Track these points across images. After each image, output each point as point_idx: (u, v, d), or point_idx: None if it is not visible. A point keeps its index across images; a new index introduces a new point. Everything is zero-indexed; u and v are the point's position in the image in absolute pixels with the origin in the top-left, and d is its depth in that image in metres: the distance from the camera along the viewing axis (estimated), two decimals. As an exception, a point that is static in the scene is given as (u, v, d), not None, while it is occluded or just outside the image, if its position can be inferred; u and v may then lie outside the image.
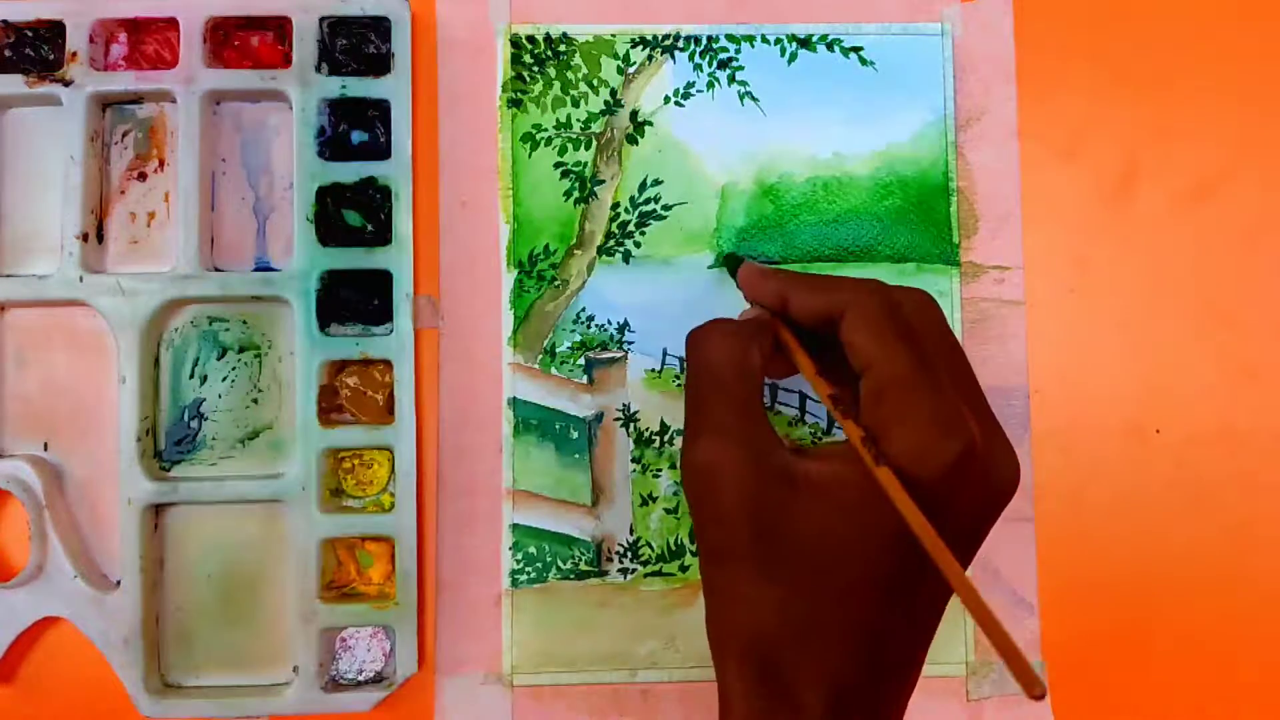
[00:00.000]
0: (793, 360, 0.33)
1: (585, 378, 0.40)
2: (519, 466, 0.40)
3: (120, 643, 0.38)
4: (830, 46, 0.41)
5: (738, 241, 0.41)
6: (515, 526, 0.40)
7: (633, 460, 0.40)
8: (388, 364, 0.39)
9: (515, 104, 0.41)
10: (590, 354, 0.40)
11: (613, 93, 0.41)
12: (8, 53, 0.39)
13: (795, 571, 0.29)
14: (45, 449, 0.39)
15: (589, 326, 0.40)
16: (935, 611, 0.31)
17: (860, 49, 0.41)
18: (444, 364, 0.40)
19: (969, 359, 0.41)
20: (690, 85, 0.41)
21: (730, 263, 0.39)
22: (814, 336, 0.33)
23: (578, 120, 0.41)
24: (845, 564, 0.29)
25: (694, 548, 0.40)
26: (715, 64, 0.41)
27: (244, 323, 0.40)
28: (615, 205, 0.41)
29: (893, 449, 0.28)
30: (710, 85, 0.41)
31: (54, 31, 0.39)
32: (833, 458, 0.29)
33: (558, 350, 0.40)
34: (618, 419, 0.40)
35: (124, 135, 0.40)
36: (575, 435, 0.40)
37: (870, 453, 0.28)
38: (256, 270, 0.40)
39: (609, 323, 0.40)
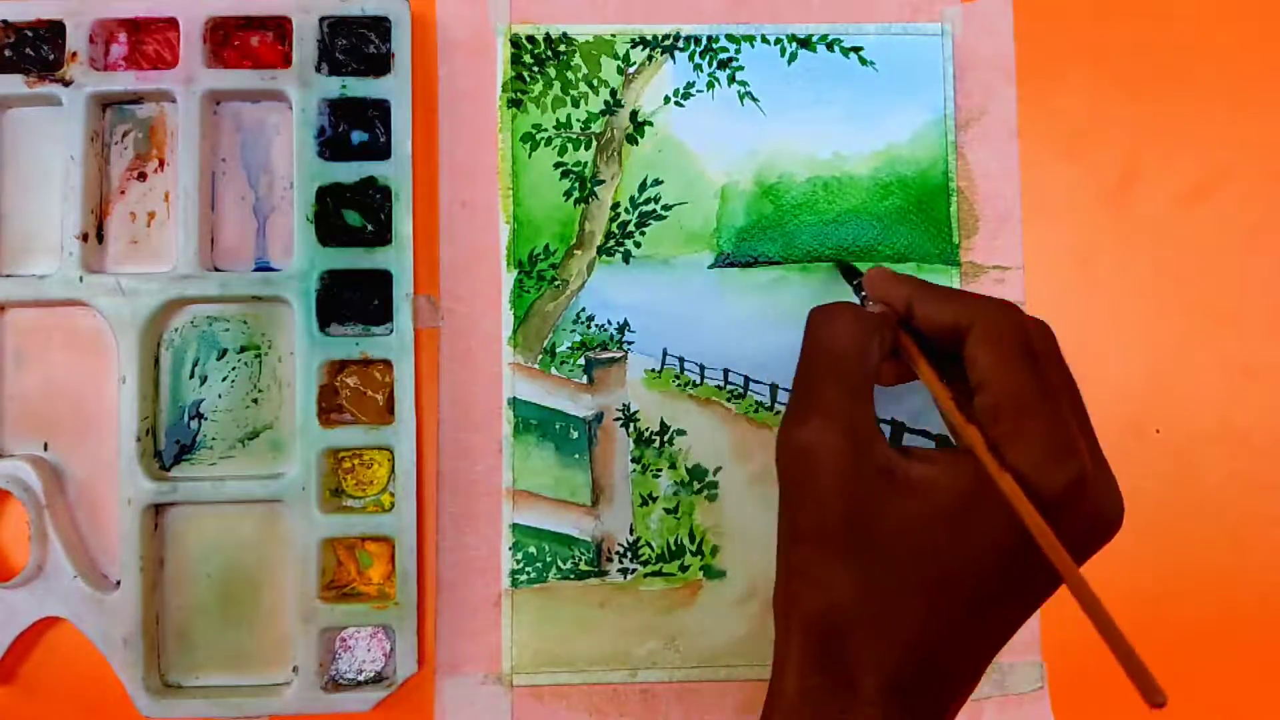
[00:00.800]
0: (911, 364, 0.33)
1: (585, 378, 0.40)
2: (519, 466, 0.40)
3: (120, 643, 0.38)
4: (830, 46, 0.41)
5: (738, 241, 0.41)
6: (515, 526, 0.40)
7: (633, 460, 0.40)
8: (388, 364, 0.39)
9: (515, 104, 0.41)
10: (590, 354, 0.40)
11: (613, 93, 0.41)
12: (8, 53, 0.39)
13: (878, 563, 0.29)
14: (45, 449, 0.39)
15: (589, 326, 0.40)
16: (1007, 631, 0.31)
17: (860, 49, 0.41)
18: (444, 364, 0.40)
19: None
20: (690, 85, 0.41)
21: (845, 271, 0.39)
22: (931, 348, 0.33)
23: (578, 120, 0.41)
24: (930, 565, 0.29)
25: (693, 548, 0.40)
26: (715, 64, 0.41)
27: (244, 323, 0.40)
28: (615, 205, 0.41)
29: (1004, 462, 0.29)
30: (710, 85, 0.41)
31: (54, 31, 0.39)
32: (938, 462, 0.30)
33: (558, 350, 0.40)
34: (618, 419, 0.40)
35: (124, 135, 0.40)
36: (575, 435, 0.40)
37: (994, 459, 0.29)
38: (256, 270, 0.40)
39: (609, 323, 0.40)
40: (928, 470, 0.30)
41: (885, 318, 0.33)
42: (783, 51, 0.41)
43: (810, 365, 0.32)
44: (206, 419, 0.40)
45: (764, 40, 0.41)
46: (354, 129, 0.40)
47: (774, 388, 0.40)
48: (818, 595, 0.30)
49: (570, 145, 0.41)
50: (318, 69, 0.39)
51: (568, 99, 0.41)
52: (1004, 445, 0.29)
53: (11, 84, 0.39)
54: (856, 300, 0.37)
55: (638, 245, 0.41)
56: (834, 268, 0.40)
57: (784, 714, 0.30)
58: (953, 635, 0.30)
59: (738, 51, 0.41)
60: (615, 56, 0.41)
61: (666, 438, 0.40)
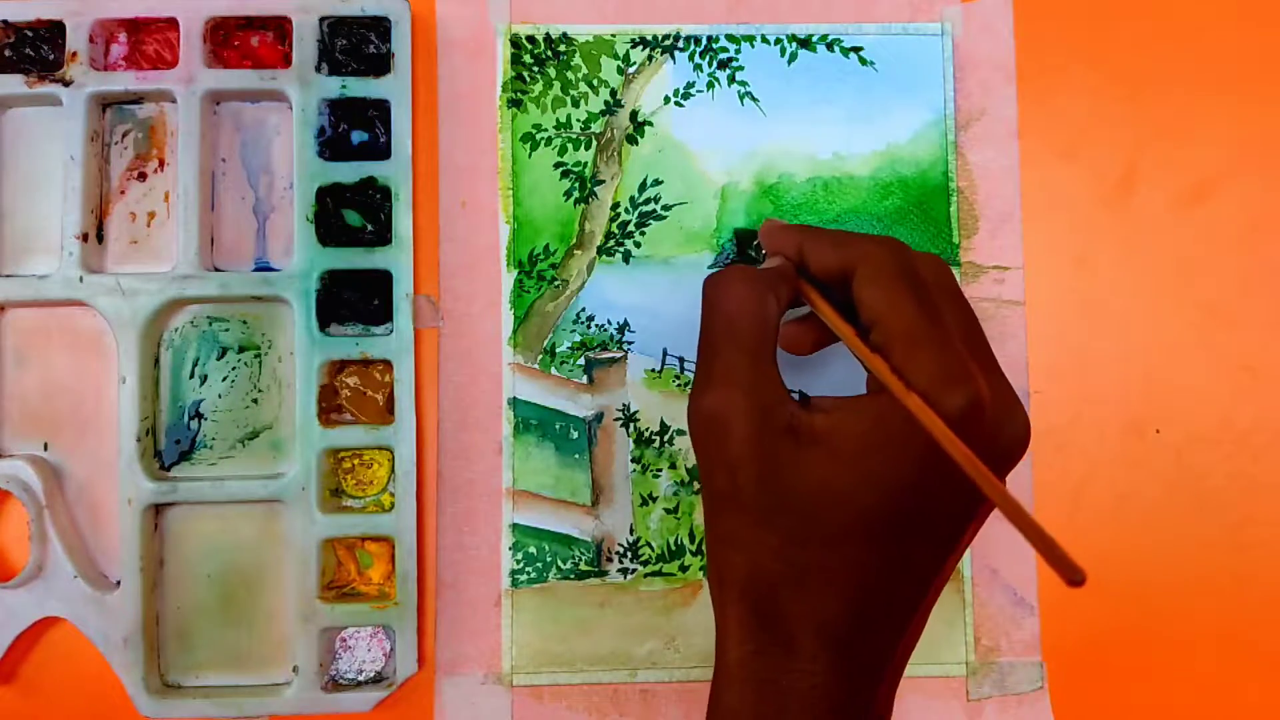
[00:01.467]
0: (810, 305, 0.33)
1: (585, 378, 0.40)
2: (519, 466, 0.40)
3: (120, 643, 0.38)
4: (830, 46, 0.41)
5: (738, 241, 0.41)
6: (515, 526, 0.40)
7: (633, 460, 0.40)
8: (388, 364, 0.39)
9: (515, 104, 0.41)
10: (590, 354, 0.40)
11: (613, 93, 0.41)
12: (8, 53, 0.39)
13: (795, 520, 0.30)
14: (45, 449, 0.39)
15: (589, 326, 0.40)
16: (935, 568, 0.31)
17: (860, 49, 0.41)
18: (444, 364, 0.40)
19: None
20: (690, 85, 0.41)
21: (741, 239, 0.39)
22: (830, 294, 0.33)
23: (578, 120, 0.41)
24: (842, 512, 0.29)
25: (693, 548, 0.40)
26: (715, 64, 0.41)
27: (244, 323, 0.40)
28: (615, 205, 0.41)
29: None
30: (710, 85, 0.41)
31: (54, 31, 0.39)
32: (836, 410, 0.30)
33: (558, 350, 0.40)
34: (618, 419, 0.40)
35: (124, 135, 0.40)
36: (575, 435, 0.40)
37: (898, 380, 0.29)
38: (256, 270, 0.40)
39: (609, 323, 0.40)
40: (829, 420, 0.30)
41: (781, 271, 0.33)
42: (783, 51, 0.41)
43: (708, 334, 0.32)
44: (206, 419, 0.40)
45: (764, 40, 0.41)
46: (354, 129, 0.40)
47: (774, 388, 0.40)
48: (743, 560, 0.30)
49: (570, 145, 0.41)
50: (318, 69, 0.39)
51: (568, 99, 0.41)
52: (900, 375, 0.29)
53: (11, 84, 0.39)
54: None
55: (638, 245, 0.41)
56: (732, 242, 0.41)
57: (727, 684, 0.30)
58: (880, 580, 0.30)
59: (738, 51, 0.41)
60: (615, 56, 0.41)
61: (666, 438, 0.40)
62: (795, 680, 0.29)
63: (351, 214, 0.40)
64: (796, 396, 0.32)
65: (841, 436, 0.30)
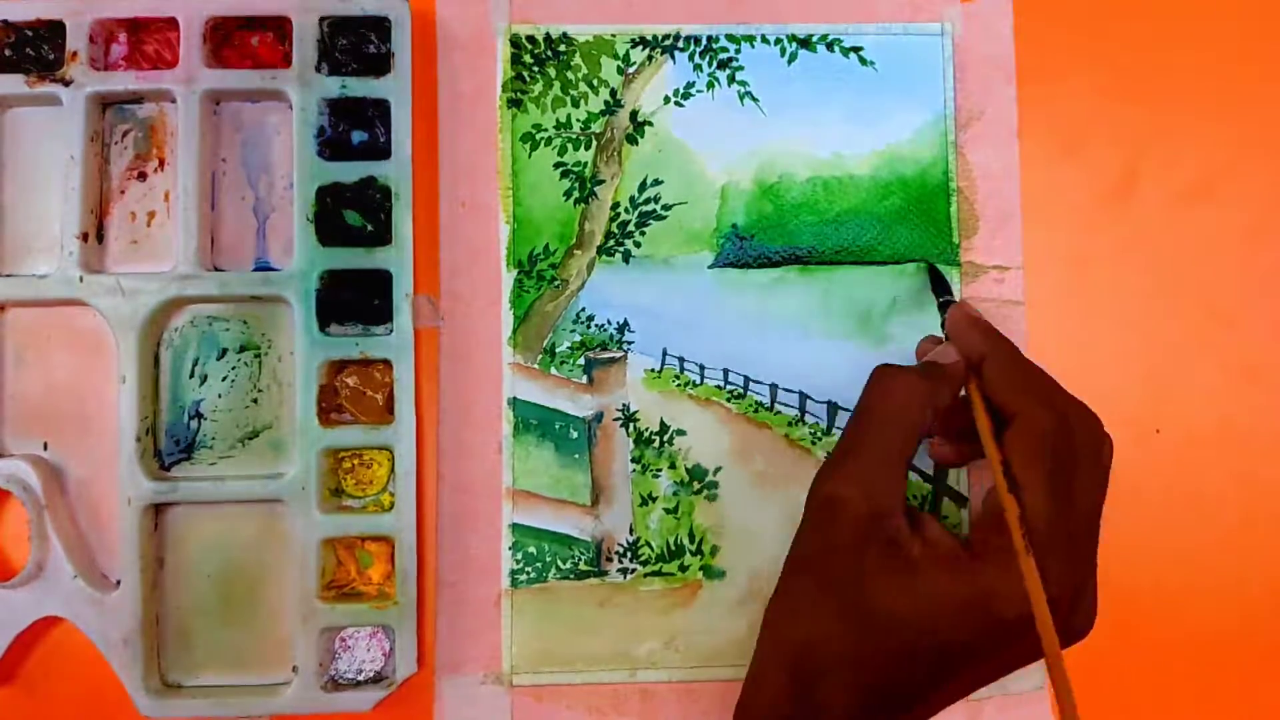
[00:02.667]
0: (976, 422, 0.34)
1: (585, 378, 0.40)
2: (519, 466, 0.40)
3: (120, 643, 0.38)
4: (830, 46, 0.41)
5: (738, 241, 0.41)
6: (515, 526, 0.40)
7: (632, 460, 0.40)
8: (388, 364, 0.39)
9: (515, 104, 0.41)
10: (590, 354, 0.40)
11: (613, 93, 0.41)
12: (8, 53, 0.39)
13: (864, 621, 0.31)
14: (45, 449, 0.39)
15: (589, 326, 0.40)
16: (971, 689, 0.33)
17: (860, 49, 0.41)
18: (444, 364, 0.40)
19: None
20: (690, 85, 0.41)
21: (935, 281, 0.40)
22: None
23: (578, 120, 0.41)
24: (912, 635, 0.31)
25: (693, 548, 0.40)
26: (715, 64, 0.41)
27: (244, 323, 0.40)
28: (615, 205, 0.41)
29: (998, 583, 0.31)
30: (710, 85, 0.41)
31: (54, 31, 0.39)
32: (939, 556, 0.32)
33: (557, 350, 0.40)
34: (617, 419, 0.40)
35: (124, 135, 0.40)
36: (575, 435, 0.40)
37: (1023, 536, 0.31)
38: (256, 270, 0.40)
39: (609, 323, 0.40)
40: (928, 556, 0.31)
41: (953, 374, 0.35)
42: (783, 51, 0.41)
43: (858, 421, 0.34)
44: (206, 419, 0.40)
45: (764, 40, 0.41)
46: (354, 129, 0.40)
47: (774, 388, 0.40)
48: (801, 625, 0.32)
49: (570, 145, 0.41)
50: (318, 69, 0.39)
51: (568, 99, 0.41)
52: (1005, 553, 0.31)
53: (11, 84, 0.39)
54: (938, 313, 0.39)
55: (638, 245, 0.41)
56: (921, 269, 0.41)
57: None
58: (921, 692, 0.32)
59: (738, 51, 0.41)
60: (615, 56, 0.41)
61: (666, 438, 0.40)
62: None
63: (351, 214, 0.40)
64: (918, 500, 0.36)
65: (930, 581, 0.31)
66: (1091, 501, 0.33)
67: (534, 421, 0.40)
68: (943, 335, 0.38)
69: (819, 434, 0.40)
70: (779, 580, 0.34)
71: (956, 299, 0.40)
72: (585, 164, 0.41)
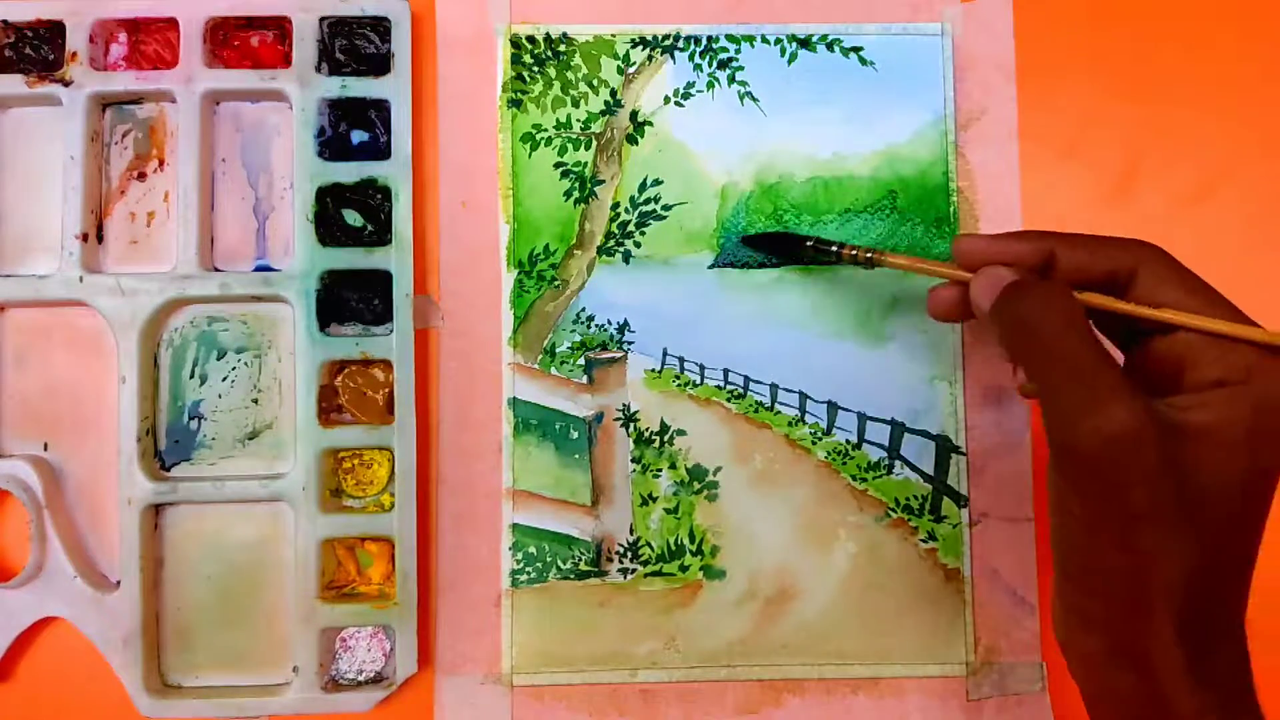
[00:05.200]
0: (1109, 309, 0.32)
1: (585, 378, 0.40)
2: (519, 466, 0.40)
3: (120, 643, 0.38)
4: (830, 46, 0.41)
5: (738, 241, 0.41)
6: (515, 526, 0.40)
7: (633, 460, 0.40)
8: (388, 364, 0.39)
9: (515, 104, 0.41)
10: (590, 354, 0.40)
11: (613, 93, 0.41)
12: (8, 53, 0.39)
13: (1204, 517, 0.29)
14: (45, 449, 0.39)
15: (589, 326, 0.40)
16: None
17: (860, 49, 0.41)
18: (444, 364, 0.40)
19: (969, 359, 0.41)
20: (690, 85, 0.41)
21: (774, 242, 0.39)
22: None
23: (578, 120, 0.41)
24: (1238, 500, 0.29)
25: (693, 548, 0.40)
26: (715, 64, 0.41)
27: (244, 323, 0.40)
28: (615, 205, 0.41)
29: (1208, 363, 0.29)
30: (710, 85, 0.41)
31: (54, 31, 0.39)
32: (1206, 405, 0.29)
33: (558, 350, 0.40)
34: (618, 419, 0.40)
35: (124, 135, 0.40)
36: (575, 435, 0.40)
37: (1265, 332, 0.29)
38: (256, 270, 0.40)
39: (609, 323, 0.40)
40: (1207, 414, 0.29)
41: (1047, 279, 0.32)
42: (783, 51, 0.41)
43: (1057, 351, 0.30)
44: (206, 419, 0.40)
45: (764, 40, 0.41)
46: (354, 129, 0.40)
47: (774, 388, 0.40)
48: (1173, 565, 0.29)
49: (570, 145, 0.41)
50: (318, 69, 0.39)
51: (568, 99, 0.41)
52: (1206, 361, 0.29)
53: (11, 84, 0.39)
54: (821, 252, 0.38)
55: (638, 245, 0.41)
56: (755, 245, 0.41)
57: None
58: (1253, 556, 0.30)
59: (738, 51, 0.41)
60: (615, 56, 0.41)
61: (666, 438, 0.40)
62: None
63: (351, 214, 0.40)
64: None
65: (1229, 426, 0.29)
66: None
67: (534, 421, 0.40)
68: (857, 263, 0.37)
69: (819, 434, 0.40)
70: (1081, 570, 0.30)
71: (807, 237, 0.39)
72: (585, 164, 0.41)
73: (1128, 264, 0.31)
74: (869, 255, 0.37)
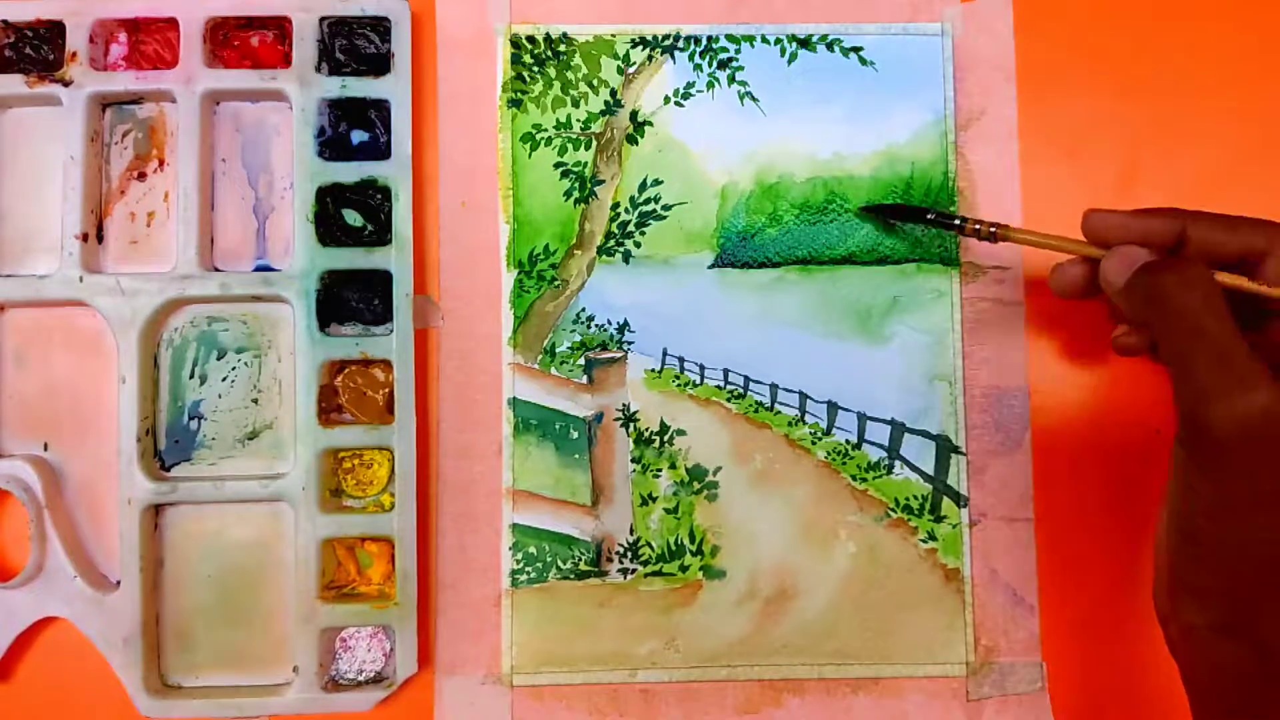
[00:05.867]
0: (1246, 290, 0.32)
1: (585, 378, 0.40)
2: (519, 466, 0.40)
3: (120, 643, 0.38)
4: (830, 46, 0.41)
5: (738, 241, 0.41)
6: (515, 526, 0.40)
7: (633, 460, 0.40)
8: (388, 364, 0.39)
9: (515, 104, 0.41)
10: (590, 354, 0.40)
11: (613, 93, 0.41)
12: (8, 53, 0.39)
13: None
14: (45, 449, 0.39)
15: (589, 326, 0.40)
16: None
17: (860, 49, 0.41)
18: (444, 364, 0.40)
19: (969, 359, 0.41)
20: (690, 85, 0.41)
21: (900, 213, 0.39)
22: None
23: (578, 120, 0.41)
24: None
25: (693, 548, 0.40)
26: (715, 64, 0.41)
27: (244, 323, 0.40)
28: (615, 205, 0.41)
29: None
30: (710, 85, 0.41)
31: (54, 31, 0.39)
32: None
33: (558, 350, 0.40)
34: (618, 419, 0.40)
35: (124, 135, 0.40)
36: (575, 435, 0.40)
37: None
38: (256, 270, 0.40)
39: (609, 323, 0.40)
40: None
41: (1186, 258, 0.32)
42: (783, 51, 0.41)
43: (1196, 332, 0.30)
44: (206, 419, 0.40)
45: (764, 40, 0.41)
46: (354, 129, 0.40)
47: (774, 388, 0.40)
48: None
49: (570, 145, 0.41)
50: (318, 69, 0.39)
51: (568, 99, 0.41)
52: None
53: (11, 84, 0.39)
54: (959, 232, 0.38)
55: (638, 245, 0.41)
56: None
57: None
58: None
59: (738, 51, 0.41)
60: (615, 56, 0.41)
61: (666, 438, 0.40)
62: None
63: (351, 214, 0.40)
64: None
65: None
66: None
67: (534, 421, 0.40)
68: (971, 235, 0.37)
69: (819, 434, 0.40)
70: (1216, 558, 0.30)
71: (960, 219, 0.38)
72: (585, 164, 0.41)
73: (1260, 245, 0.31)
74: (993, 229, 0.37)
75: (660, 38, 0.41)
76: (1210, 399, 0.29)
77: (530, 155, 0.41)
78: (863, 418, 0.40)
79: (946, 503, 0.40)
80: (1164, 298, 0.31)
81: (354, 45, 0.40)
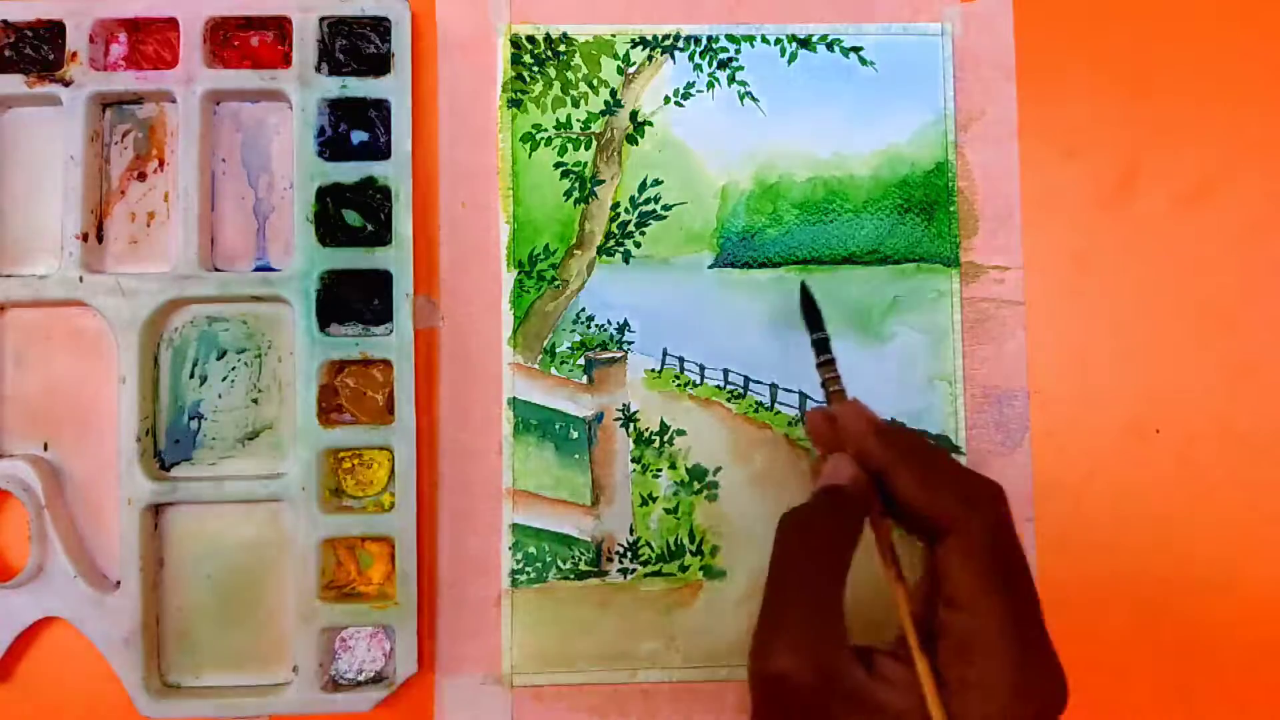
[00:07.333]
0: (878, 548, 0.33)
1: (585, 378, 0.40)
2: (519, 466, 0.40)
3: (120, 643, 0.38)
4: (830, 46, 0.41)
5: (738, 241, 0.41)
6: (515, 526, 0.40)
7: (633, 460, 0.40)
8: (388, 364, 0.39)
9: (515, 104, 0.41)
10: (590, 354, 0.40)
11: (613, 93, 0.41)
12: (8, 53, 0.39)
13: None
14: (45, 449, 0.39)
15: (589, 326, 0.40)
16: None
17: (860, 49, 0.41)
18: (444, 364, 0.40)
19: (969, 359, 0.41)
20: (690, 85, 0.41)
21: (805, 299, 0.38)
22: (890, 512, 0.33)
23: (578, 120, 0.41)
24: None
25: (693, 548, 0.40)
26: (715, 64, 0.41)
27: (244, 323, 0.40)
28: (615, 205, 0.41)
29: (964, 711, 0.29)
30: (710, 85, 0.41)
31: (54, 31, 0.39)
32: (900, 689, 0.30)
33: (558, 350, 0.40)
34: (618, 419, 0.40)
35: (124, 135, 0.40)
36: (575, 435, 0.40)
37: (940, 707, 0.29)
38: (256, 270, 0.40)
39: (609, 323, 0.40)
40: (893, 697, 0.30)
41: (854, 498, 0.33)
42: (783, 51, 0.41)
43: (777, 579, 0.32)
44: (206, 419, 0.40)
45: (764, 40, 0.41)
46: (354, 129, 0.40)
47: (774, 388, 0.40)
48: None
49: (570, 145, 0.41)
50: (318, 69, 0.39)
51: (568, 99, 0.41)
52: (970, 689, 0.29)
53: (11, 84, 0.39)
54: (813, 352, 0.37)
55: (638, 245, 0.41)
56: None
57: None
58: None
59: (738, 51, 0.41)
60: (615, 56, 0.41)
61: (666, 438, 0.40)
62: None
63: (351, 214, 0.40)
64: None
65: (898, 714, 0.30)
66: (1026, 573, 0.32)
67: (534, 421, 0.40)
68: (822, 395, 0.37)
69: (819, 434, 0.40)
70: None
71: (828, 334, 0.37)
72: (585, 164, 0.41)
73: (943, 517, 0.31)
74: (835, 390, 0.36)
75: (660, 38, 0.41)
76: (759, 643, 0.30)
77: (530, 155, 0.41)
78: (863, 418, 0.40)
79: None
80: (779, 536, 0.32)
81: (354, 45, 0.40)
